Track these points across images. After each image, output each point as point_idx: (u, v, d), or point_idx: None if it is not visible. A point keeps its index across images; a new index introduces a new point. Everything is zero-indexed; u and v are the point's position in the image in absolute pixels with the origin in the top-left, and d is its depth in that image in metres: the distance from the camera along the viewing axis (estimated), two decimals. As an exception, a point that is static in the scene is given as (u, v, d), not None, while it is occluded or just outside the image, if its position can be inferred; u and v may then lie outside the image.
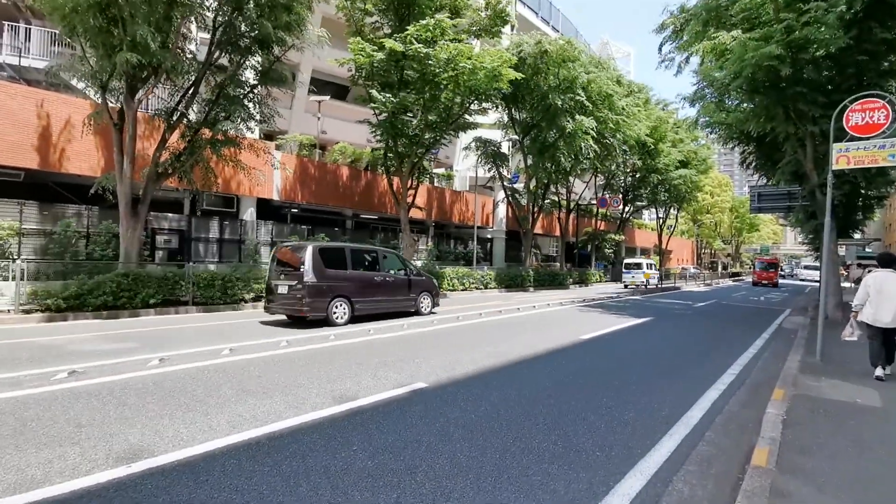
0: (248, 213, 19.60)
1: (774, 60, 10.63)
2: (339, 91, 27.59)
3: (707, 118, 17.31)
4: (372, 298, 11.37)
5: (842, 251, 29.41)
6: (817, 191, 12.54)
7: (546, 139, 23.62)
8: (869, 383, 5.99)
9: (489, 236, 33.52)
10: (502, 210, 31.60)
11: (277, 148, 20.77)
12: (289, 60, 24.75)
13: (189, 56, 13.49)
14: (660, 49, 15.32)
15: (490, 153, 26.39)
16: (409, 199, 20.10)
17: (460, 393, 5.34)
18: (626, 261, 29.96)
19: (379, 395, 5.15)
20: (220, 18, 12.83)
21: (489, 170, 27.16)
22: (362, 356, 7.08)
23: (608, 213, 38.74)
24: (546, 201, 31.18)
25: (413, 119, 17.65)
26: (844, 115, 7.03)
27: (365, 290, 11.17)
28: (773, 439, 3.98)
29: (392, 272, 12.28)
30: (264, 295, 11.72)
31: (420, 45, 15.34)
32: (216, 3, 12.54)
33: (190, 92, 13.21)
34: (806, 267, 56.52)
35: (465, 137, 28.88)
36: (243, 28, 13.12)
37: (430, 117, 18.03)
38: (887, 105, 6.63)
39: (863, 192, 16.86)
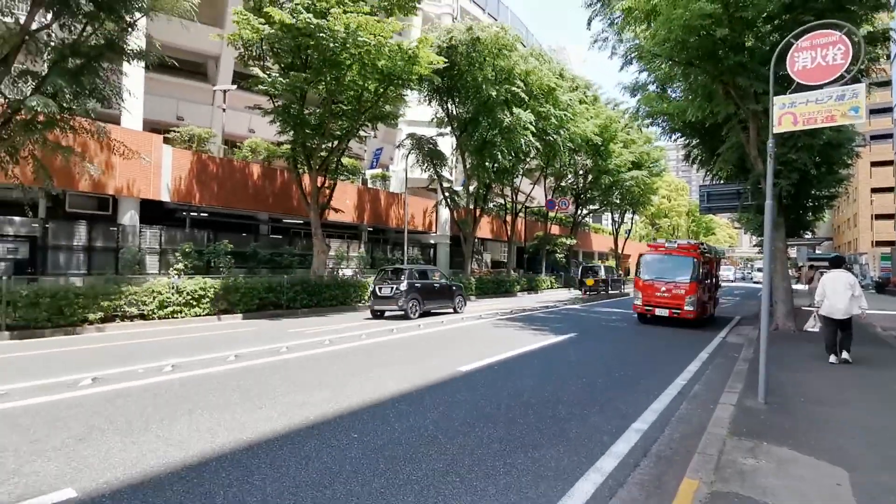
0: (129, 217, 16.67)
1: (708, 20, 8.72)
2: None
3: (647, 108, 15.64)
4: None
5: (793, 252, 28.33)
6: (762, 181, 10.71)
7: (483, 135, 21.53)
8: (829, 451, 3.89)
9: (432, 241, 31.18)
10: (446, 213, 29.31)
11: (167, 142, 17.93)
12: (206, 51, 22.22)
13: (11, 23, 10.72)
14: (588, 24, 13.37)
15: (426, 151, 24.14)
16: (324, 199, 17.60)
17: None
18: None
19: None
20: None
21: (425, 169, 24.89)
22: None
23: (560, 217, 36.98)
24: (492, 204, 29.14)
25: (318, 108, 15.26)
26: (789, 57, 4.97)
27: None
28: None
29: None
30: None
31: (310, 16, 12.94)
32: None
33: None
34: (759, 269, 56.55)
35: (402, 135, 26.66)
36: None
37: (341, 105, 15.69)
38: (846, 38, 4.56)
39: (814, 191, 15.46)
